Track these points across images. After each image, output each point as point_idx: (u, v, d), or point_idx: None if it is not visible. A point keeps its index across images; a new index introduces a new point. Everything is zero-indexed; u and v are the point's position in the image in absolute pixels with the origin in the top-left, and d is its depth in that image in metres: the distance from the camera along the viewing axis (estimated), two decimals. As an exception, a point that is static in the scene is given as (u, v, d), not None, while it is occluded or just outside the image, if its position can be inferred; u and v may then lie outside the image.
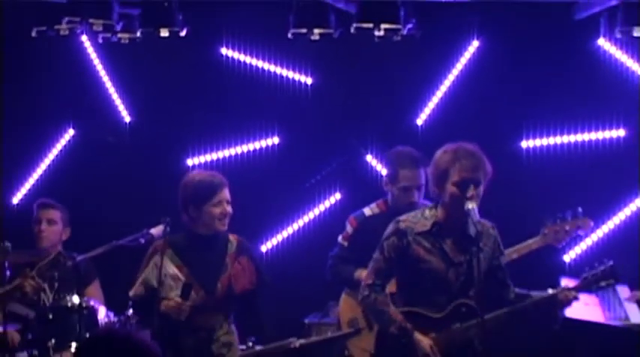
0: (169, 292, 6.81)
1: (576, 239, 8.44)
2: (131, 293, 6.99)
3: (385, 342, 6.66)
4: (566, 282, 6.80)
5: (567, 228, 7.35)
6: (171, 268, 6.91)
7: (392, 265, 6.54)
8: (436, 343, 6.39)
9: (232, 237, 7.10)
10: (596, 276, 6.56)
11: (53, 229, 8.18)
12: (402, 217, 6.58)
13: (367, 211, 7.47)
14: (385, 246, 6.51)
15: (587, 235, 8.43)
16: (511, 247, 7.21)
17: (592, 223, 7.37)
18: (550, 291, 6.61)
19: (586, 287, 6.59)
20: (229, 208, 6.97)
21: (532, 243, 7.33)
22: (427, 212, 6.59)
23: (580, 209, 7.38)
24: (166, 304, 6.75)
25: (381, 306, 6.54)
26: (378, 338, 6.82)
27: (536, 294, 6.65)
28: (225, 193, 6.98)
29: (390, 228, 6.54)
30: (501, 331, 6.64)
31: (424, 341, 6.36)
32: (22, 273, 6.98)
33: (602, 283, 6.59)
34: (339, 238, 7.55)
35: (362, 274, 7.07)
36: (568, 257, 8.64)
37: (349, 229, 7.51)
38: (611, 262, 6.70)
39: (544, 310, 6.57)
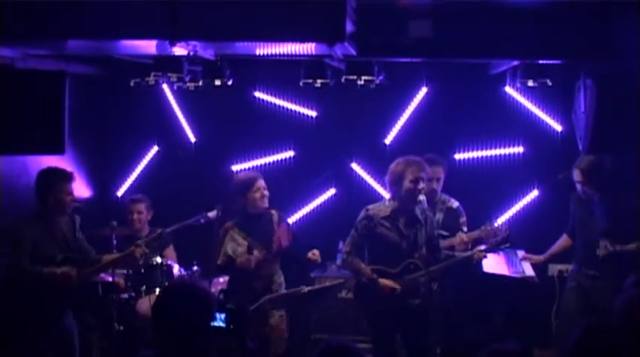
0: (241, 254, 6.94)
1: (493, 215, 8.54)
2: (218, 262, 7.13)
3: (359, 288, 6.81)
4: (479, 247, 6.95)
5: (494, 229, 7.35)
6: (239, 240, 7.04)
7: (363, 240, 6.75)
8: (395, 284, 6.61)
9: (273, 210, 7.25)
10: (497, 242, 6.84)
11: (140, 217, 8.26)
12: (370, 206, 6.86)
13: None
14: (359, 227, 6.76)
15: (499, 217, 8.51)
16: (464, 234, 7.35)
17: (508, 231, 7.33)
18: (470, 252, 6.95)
19: (491, 249, 7.01)
20: (266, 192, 7.13)
21: (478, 232, 7.33)
22: (387, 203, 6.77)
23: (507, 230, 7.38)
24: (240, 261, 6.92)
25: (356, 266, 6.75)
26: (355, 286, 6.99)
27: (459, 254, 6.83)
28: (260, 182, 7.12)
29: (362, 214, 6.82)
30: (437, 279, 6.78)
31: (385, 281, 6.60)
32: (135, 244, 7.03)
33: (502, 246, 6.94)
34: None
35: None
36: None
37: None
38: (507, 232, 6.91)
39: (464, 265, 6.90)
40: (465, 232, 7.35)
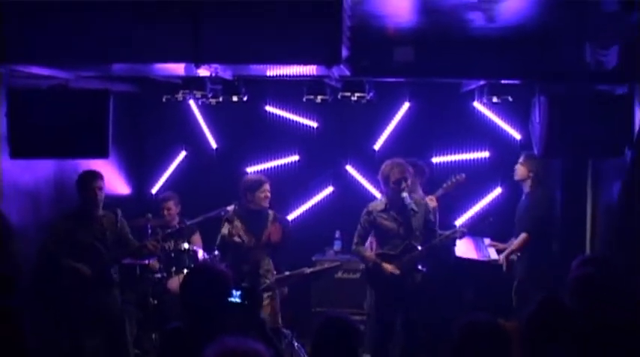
0: (235, 238, 7.02)
1: (464, 208, 8.60)
2: (217, 243, 7.20)
3: (368, 271, 6.85)
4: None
5: (454, 181, 7.49)
6: (237, 227, 7.10)
7: (366, 231, 6.80)
8: (396, 267, 6.63)
9: (271, 211, 7.29)
10: (478, 219, 7.27)
11: (170, 211, 8.29)
12: (370, 204, 6.92)
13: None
14: (362, 221, 6.84)
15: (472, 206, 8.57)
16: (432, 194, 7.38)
17: (464, 176, 7.61)
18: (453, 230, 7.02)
19: (472, 226, 7.22)
20: (269, 195, 7.15)
21: (441, 190, 7.44)
22: (382, 200, 6.81)
23: (463, 174, 7.61)
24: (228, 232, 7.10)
25: (363, 253, 6.82)
26: (364, 270, 7.06)
27: (446, 232, 6.92)
28: (267, 186, 7.19)
29: (364, 211, 6.82)
30: (431, 256, 6.83)
31: (387, 265, 6.65)
32: (153, 237, 7.05)
33: (483, 222, 7.19)
34: None
35: None
36: (458, 221, 8.67)
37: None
38: (489, 214, 7.04)
39: (450, 241, 6.92)
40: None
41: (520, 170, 7.42)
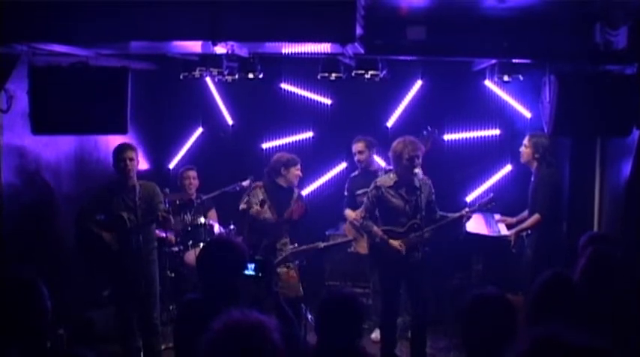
0: (257, 208, 7.09)
1: (474, 185, 8.60)
2: (240, 207, 7.20)
3: (374, 246, 6.86)
4: (467, 208, 6.97)
5: (426, 136, 7.60)
6: (259, 196, 7.16)
7: (374, 206, 6.75)
8: (402, 244, 6.60)
9: (296, 189, 7.33)
10: (482, 204, 6.80)
11: (194, 181, 8.34)
12: (378, 179, 6.84)
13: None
14: (370, 196, 6.77)
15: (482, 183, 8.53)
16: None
17: (436, 130, 7.81)
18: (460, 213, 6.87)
19: (478, 210, 7.02)
20: (301, 174, 7.30)
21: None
22: (391, 175, 6.78)
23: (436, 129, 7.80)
24: (254, 210, 7.12)
25: (370, 228, 6.76)
26: (370, 245, 7.01)
27: (451, 215, 6.81)
28: (299, 166, 7.23)
29: (372, 185, 6.77)
30: (436, 236, 6.76)
31: (395, 242, 6.59)
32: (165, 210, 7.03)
33: (487, 207, 6.92)
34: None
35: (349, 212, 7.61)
36: (469, 198, 8.69)
37: None
38: (491, 195, 6.94)
39: (456, 223, 6.84)
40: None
41: (525, 153, 7.31)
